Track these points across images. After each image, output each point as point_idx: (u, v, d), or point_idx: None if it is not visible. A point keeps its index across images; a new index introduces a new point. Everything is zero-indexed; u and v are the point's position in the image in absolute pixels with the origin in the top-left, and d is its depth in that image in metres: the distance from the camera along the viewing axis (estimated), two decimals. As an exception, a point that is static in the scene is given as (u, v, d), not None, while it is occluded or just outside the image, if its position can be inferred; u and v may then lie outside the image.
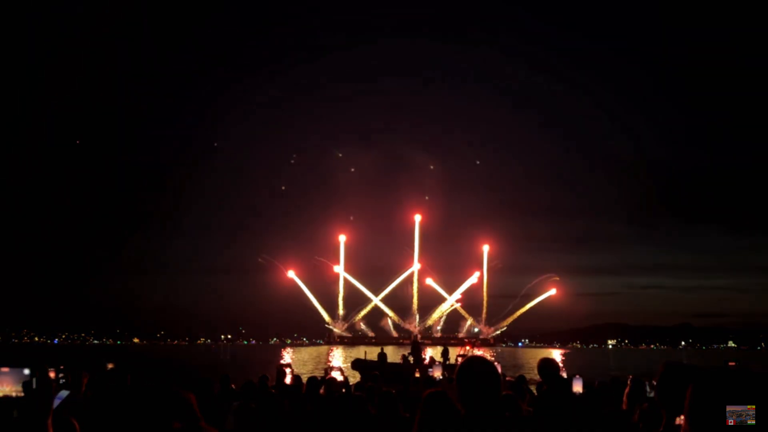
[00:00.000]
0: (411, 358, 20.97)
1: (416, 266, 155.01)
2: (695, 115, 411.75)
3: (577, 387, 11.78)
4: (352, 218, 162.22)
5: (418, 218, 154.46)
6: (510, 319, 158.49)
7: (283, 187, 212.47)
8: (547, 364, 5.21)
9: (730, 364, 12.65)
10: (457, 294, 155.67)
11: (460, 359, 16.01)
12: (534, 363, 6.69)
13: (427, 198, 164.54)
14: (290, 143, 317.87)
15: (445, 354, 17.25)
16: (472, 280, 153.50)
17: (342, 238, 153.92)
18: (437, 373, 12.04)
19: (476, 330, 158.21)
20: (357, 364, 23.20)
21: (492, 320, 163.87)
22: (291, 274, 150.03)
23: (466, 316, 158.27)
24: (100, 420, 4.26)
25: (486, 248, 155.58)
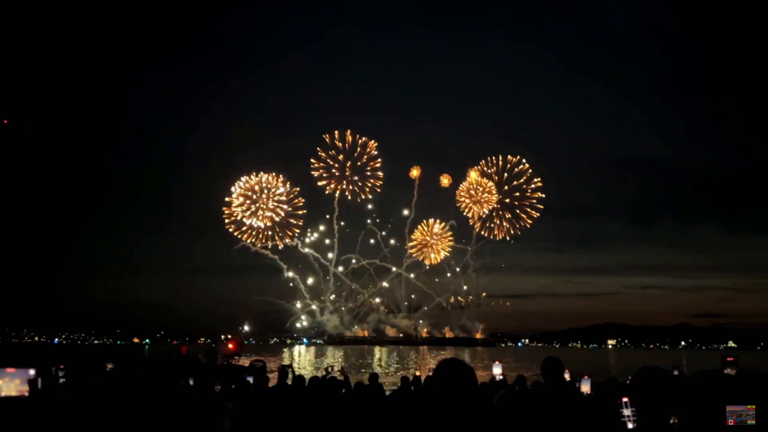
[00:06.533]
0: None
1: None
2: (696, 115, 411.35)
3: (585, 387, 11.55)
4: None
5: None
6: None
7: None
8: (551, 363, 5.13)
9: (729, 359, 12.43)
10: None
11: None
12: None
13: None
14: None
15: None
16: None
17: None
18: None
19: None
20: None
21: (488, 320, 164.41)
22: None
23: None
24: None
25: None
